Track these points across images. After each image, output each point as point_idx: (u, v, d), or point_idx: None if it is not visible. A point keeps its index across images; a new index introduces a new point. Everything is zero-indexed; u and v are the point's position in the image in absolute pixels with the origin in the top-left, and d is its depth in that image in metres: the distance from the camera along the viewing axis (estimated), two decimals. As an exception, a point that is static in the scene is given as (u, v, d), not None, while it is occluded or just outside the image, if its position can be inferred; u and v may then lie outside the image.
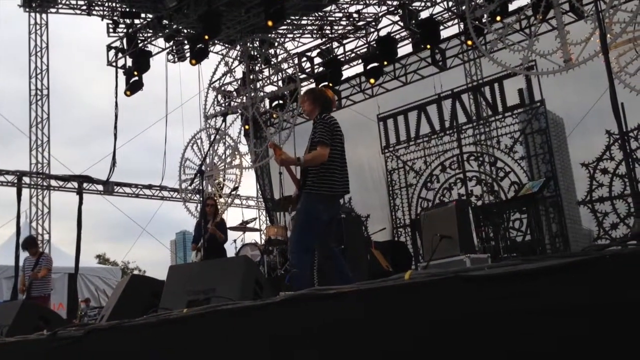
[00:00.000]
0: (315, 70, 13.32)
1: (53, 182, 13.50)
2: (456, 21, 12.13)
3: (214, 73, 12.85)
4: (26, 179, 13.03)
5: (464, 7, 10.46)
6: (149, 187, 15.60)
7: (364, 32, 12.82)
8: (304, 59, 13.43)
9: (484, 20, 9.42)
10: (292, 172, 4.86)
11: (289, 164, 4.72)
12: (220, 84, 13.20)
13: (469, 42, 10.93)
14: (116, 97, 12.34)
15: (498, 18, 9.74)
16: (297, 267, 4.42)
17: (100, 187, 14.16)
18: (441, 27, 11.89)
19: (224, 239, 8.35)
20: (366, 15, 12.79)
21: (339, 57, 13.08)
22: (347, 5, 12.80)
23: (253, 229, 10.56)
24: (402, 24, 11.89)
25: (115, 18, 12.34)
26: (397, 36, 12.42)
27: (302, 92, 5.20)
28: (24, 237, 8.91)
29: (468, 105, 10.45)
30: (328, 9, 12.87)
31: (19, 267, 11.09)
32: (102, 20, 12.48)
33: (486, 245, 8.67)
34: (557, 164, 9.20)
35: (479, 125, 10.28)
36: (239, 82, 13.50)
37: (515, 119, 9.69)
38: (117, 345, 3.47)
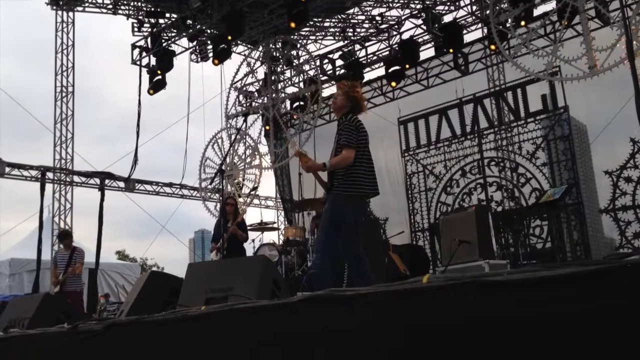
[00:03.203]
0: (337, 73, 13.33)
1: (76, 178, 13.69)
2: (479, 25, 12.06)
3: (236, 73, 12.97)
4: (50, 175, 13.22)
5: (487, 12, 10.40)
6: (170, 185, 15.75)
7: (386, 35, 12.80)
8: (326, 60, 13.45)
9: (507, 25, 9.35)
10: (320, 177, 4.85)
11: (316, 170, 4.70)
12: (242, 84, 13.29)
13: (492, 47, 10.86)
14: (139, 95, 12.50)
15: (522, 23, 9.65)
16: (318, 268, 4.41)
17: (121, 184, 14.32)
18: (464, 31, 11.84)
19: (245, 238, 8.41)
20: (389, 18, 12.78)
21: (360, 59, 13.08)
22: (370, 8, 12.80)
23: (271, 229, 10.62)
24: (425, 27, 11.86)
25: (140, 17, 12.49)
26: (420, 39, 12.37)
27: (340, 84, 5.01)
28: (60, 230, 9.06)
29: (490, 110, 10.37)
30: (351, 11, 12.89)
31: (40, 261, 11.26)
32: (128, 19, 12.66)
33: (505, 252, 8.61)
34: (580, 171, 9.08)
35: (501, 131, 10.20)
36: (260, 83, 13.58)
37: (538, 125, 9.59)
38: (135, 340, 3.51)
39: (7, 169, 12.83)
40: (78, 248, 8.73)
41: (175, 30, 12.37)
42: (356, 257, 4.57)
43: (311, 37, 13.78)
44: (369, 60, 13.22)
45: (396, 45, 12.37)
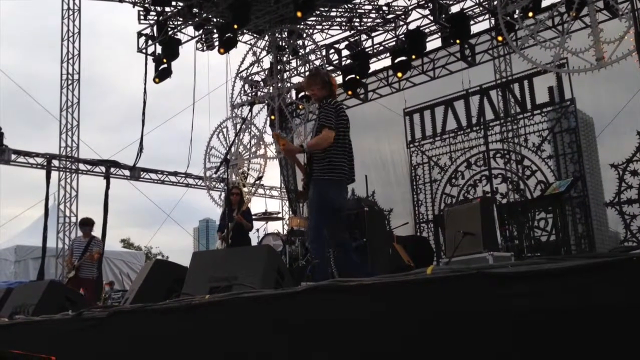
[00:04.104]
0: (343, 63, 13.28)
1: (81, 166, 13.71)
2: (487, 16, 11.98)
3: (242, 62, 12.95)
4: (55, 162, 13.25)
5: (495, 2, 10.33)
6: (175, 174, 15.75)
7: (393, 25, 12.73)
8: (332, 50, 13.40)
9: (515, 16, 9.28)
10: (299, 162, 4.79)
11: (295, 153, 4.66)
12: (248, 73, 13.27)
13: (500, 38, 10.79)
14: (145, 84, 12.51)
15: (530, 14, 9.57)
16: (317, 257, 4.41)
17: (127, 173, 14.35)
18: (471, 22, 11.76)
19: (250, 227, 8.44)
20: (396, 8, 12.70)
21: (367, 49, 13.01)
22: (377, -2, 12.73)
23: (276, 219, 10.64)
24: (431, 17, 11.78)
25: (147, 5, 12.45)
26: (427, 30, 12.29)
27: (308, 75, 4.98)
28: (84, 217, 9.14)
29: (496, 102, 10.31)
30: (357, 1, 12.82)
31: (46, 249, 11.33)
32: (134, 7, 12.62)
33: (510, 244, 8.58)
34: (586, 164, 9.04)
35: (507, 123, 10.16)
36: (266, 72, 13.56)
37: (544, 117, 9.54)
38: (139, 328, 3.53)
39: (13, 156, 12.85)
40: (96, 237, 8.86)
41: (181, 19, 12.34)
42: (340, 243, 4.54)
43: (317, 27, 13.72)
44: (375, 51, 13.16)
45: (403, 35, 12.30)
